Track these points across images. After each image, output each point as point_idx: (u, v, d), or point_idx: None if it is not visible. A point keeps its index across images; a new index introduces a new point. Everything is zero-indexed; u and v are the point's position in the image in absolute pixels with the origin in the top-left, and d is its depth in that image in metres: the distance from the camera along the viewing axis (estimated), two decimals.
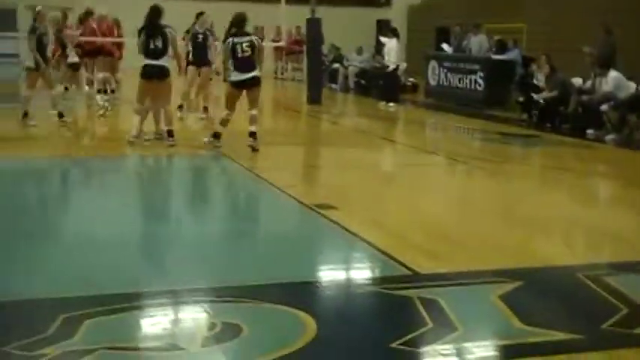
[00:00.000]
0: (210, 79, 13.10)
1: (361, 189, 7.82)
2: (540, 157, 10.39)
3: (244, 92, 9.52)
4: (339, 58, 20.76)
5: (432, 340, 3.72)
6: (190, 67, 12.41)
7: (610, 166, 9.85)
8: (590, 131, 11.81)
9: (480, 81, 15.60)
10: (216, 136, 9.67)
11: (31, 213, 6.50)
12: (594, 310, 4.25)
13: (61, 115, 11.27)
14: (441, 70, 16.95)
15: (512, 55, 15.92)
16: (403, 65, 17.51)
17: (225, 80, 10.42)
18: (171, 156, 9.33)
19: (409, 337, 3.73)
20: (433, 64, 17.29)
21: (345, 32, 22.31)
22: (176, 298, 4.20)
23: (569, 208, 6.98)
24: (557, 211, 6.74)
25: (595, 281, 4.69)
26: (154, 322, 3.89)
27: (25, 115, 11.10)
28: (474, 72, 15.77)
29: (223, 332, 3.71)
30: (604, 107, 11.74)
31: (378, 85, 17.34)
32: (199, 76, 12.33)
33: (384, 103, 15.85)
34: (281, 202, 6.99)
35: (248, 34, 9.58)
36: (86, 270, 4.75)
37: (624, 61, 12.72)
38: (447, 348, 3.63)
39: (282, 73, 23.47)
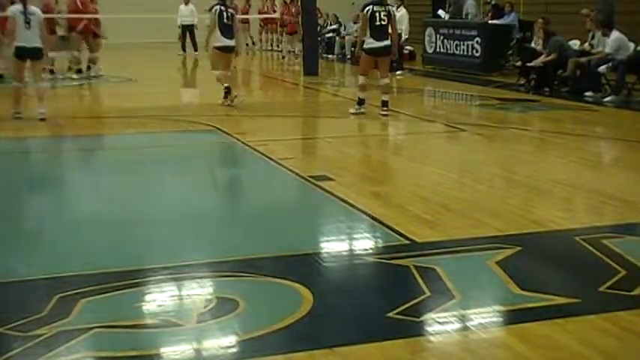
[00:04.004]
0: None
1: (359, 160, 7.79)
2: (539, 122, 10.31)
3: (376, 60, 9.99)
4: (337, 29, 20.60)
5: (429, 308, 3.70)
6: None
7: (609, 128, 9.78)
8: (588, 94, 11.74)
9: (477, 47, 15.45)
10: (361, 102, 10.08)
11: (25, 192, 6.48)
12: (592, 273, 4.23)
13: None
14: (438, 37, 16.78)
15: (509, 19, 15.76)
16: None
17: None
18: (166, 131, 9.29)
19: (406, 306, 3.71)
20: (429, 31, 17.12)
21: (341, 1, 22.14)
22: (172, 274, 4.18)
23: (569, 172, 6.93)
24: (557, 175, 6.69)
25: (594, 245, 4.67)
26: (150, 299, 3.88)
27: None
28: (471, 38, 15.61)
29: (219, 307, 3.70)
30: (602, 69, 11.65)
31: None
32: None
33: None
34: (278, 175, 6.95)
35: (386, 4, 9.97)
36: (81, 248, 4.74)
37: (621, 22, 12.60)
38: (444, 316, 3.61)
39: (277, 45, 23.27)
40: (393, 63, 15.94)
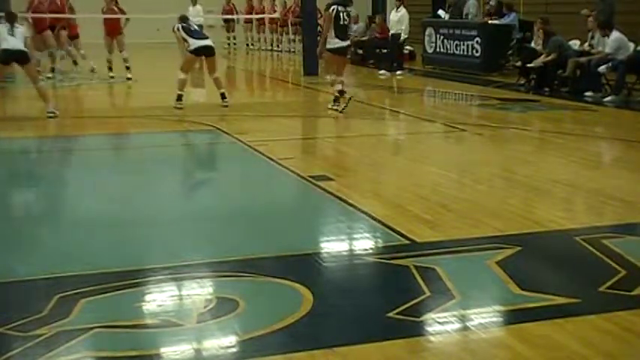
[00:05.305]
0: None
1: (359, 159, 7.78)
2: (539, 122, 10.30)
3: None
4: None
5: (429, 308, 3.70)
6: None
7: (609, 128, 9.78)
8: (588, 94, 11.73)
9: (477, 47, 15.44)
10: (342, 93, 10.27)
11: (25, 192, 6.48)
12: (593, 273, 4.23)
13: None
14: (438, 37, 16.77)
15: (509, 19, 15.75)
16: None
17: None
18: (166, 131, 9.29)
19: (406, 306, 3.71)
20: (429, 31, 17.11)
21: None
22: (172, 274, 4.18)
23: (569, 172, 6.93)
24: (557, 175, 6.69)
25: (594, 245, 4.67)
26: (150, 299, 3.88)
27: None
28: (471, 38, 15.61)
29: (219, 307, 3.70)
30: (602, 69, 11.64)
31: (377, 54, 17.23)
32: None
33: (383, 72, 15.76)
34: (278, 175, 6.95)
35: (348, 4, 10.26)
36: (81, 248, 4.74)
37: (621, 22, 12.60)
38: (444, 316, 3.61)
39: (277, 45, 23.28)
40: (393, 63, 16.02)
